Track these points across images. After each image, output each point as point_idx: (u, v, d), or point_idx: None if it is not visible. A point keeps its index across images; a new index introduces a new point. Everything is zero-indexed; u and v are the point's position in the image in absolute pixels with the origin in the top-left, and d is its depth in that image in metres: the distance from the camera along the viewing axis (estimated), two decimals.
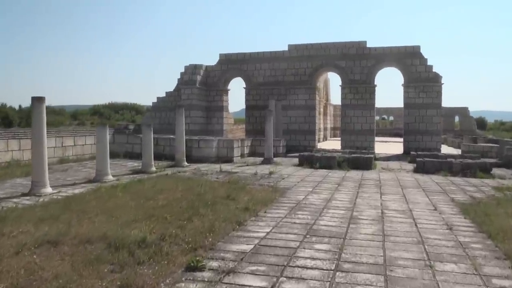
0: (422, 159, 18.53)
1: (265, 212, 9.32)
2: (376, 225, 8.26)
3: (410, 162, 22.42)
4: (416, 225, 8.40)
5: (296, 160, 20.08)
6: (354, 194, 11.88)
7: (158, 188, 11.79)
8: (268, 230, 7.77)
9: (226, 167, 18.00)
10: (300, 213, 9.24)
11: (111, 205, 9.52)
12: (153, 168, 15.94)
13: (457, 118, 60.76)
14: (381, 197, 11.56)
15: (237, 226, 7.95)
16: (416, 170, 18.20)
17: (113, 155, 21.36)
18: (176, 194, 10.98)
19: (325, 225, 8.18)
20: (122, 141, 22.60)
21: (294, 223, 8.38)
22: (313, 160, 18.89)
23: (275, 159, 22.38)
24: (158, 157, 20.19)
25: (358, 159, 19.00)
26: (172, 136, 22.58)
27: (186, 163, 18.19)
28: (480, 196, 11.94)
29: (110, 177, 13.54)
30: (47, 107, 52.96)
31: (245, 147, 23.69)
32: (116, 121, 60.93)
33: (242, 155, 23.05)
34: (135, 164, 18.51)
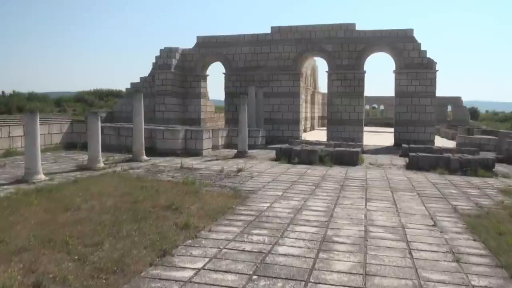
0: (416, 154, 16.29)
1: (209, 230, 7.00)
2: (356, 255, 5.97)
3: (401, 156, 20.24)
4: (410, 253, 6.12)
5: (274, 154, 17.77)
6: (333, 200, 9.60)
7: (90, 193, 9.47)
8: (200, 265, 5.45)
9: (190, 162, 15.68)
10: (256, 233, 6.92)
11: (12, 220, 7.20)
12: (101, 164, 13.57)
13: (449, 108, 58.67)
14: (366, 205, 9.28)
15: (158, 259, 5.64)
16: (408, 167, 15.98)
17: (70, 146, 19.08)
18: (107, 202, 8.68)
19: (285, 255, 5.87)
20: (81, 131, 20.19)
21: (243, 250, 6.07)
22: (292, 154, 16.61)
23: (252, 151, 20.12)
24: (119, 149, 17.94)
25: (343, 154, 16.73)
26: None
27: (145, 157, 15.83)
28: (487, 203, 9.72)
29: (41, 177, 11.15)
30: (30, 94, 50.11)
31: (219, 138, 21.35)
32: (100, 107, 58.54)
33: (215, 147, 20.74)
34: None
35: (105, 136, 19.45)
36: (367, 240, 6.66)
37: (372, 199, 9.88)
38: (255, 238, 6.64)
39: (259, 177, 12.74)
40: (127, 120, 29.50)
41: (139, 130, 15.77)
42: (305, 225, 7.42)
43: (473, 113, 66.09)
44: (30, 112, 11.43)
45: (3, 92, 71.58)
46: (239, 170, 13.57)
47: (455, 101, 57.67)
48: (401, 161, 18.02)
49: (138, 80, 31.70)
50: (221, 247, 6.16)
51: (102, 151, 18.15)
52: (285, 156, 16.67)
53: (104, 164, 14.06)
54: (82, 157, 16.24)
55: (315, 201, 9.51)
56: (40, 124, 18.94)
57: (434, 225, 7.68)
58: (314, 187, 11.19)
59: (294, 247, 6.25)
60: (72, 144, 19.51)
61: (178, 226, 7.08)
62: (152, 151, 17.87)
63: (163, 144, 18.00)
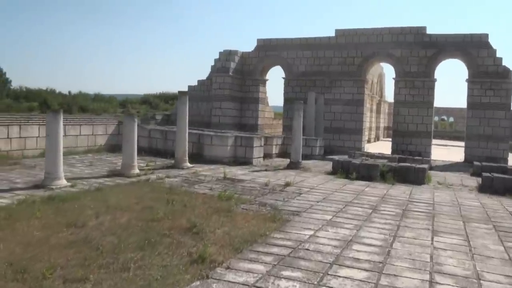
0: (490, 175, 14.22)
1: (227, 267, 5.53)
2: None
3: (472, 174, 18.06)
4: None
5: (331, 166, 16.11)
6: (392, 231, 7.91)
7: (106, 205, 8.28)
8: None
9: (236, 171, 14.32)
10: (287, 275, 5.39)
11: None
12: (135, 171, 12.40)
13: None
14: (432, 239, 7.53)
15: None
16: (481, 189, 13.94)
17: (114, 149, 18.23)
18: (121, 218, 7.42)
19: None
20: None
21: None
22: (350, 168, 14.92)
23: (307, 162, 18.56)
24: (165, 154, 16.85)
25: (408, 170, 14.88)
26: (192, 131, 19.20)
27: (188, 164, 14.58)
28: None
29: (62, 182, 10.08)
30: (96, 95, 51.11)
31: (274, 146, 19.87)
32: (165, 110, 58.66)
33: (268, 156, 19.30)
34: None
35: (151, 139, 18.55)
36: None
37: (439, 231, 8.11)
38: (283, 284, 5.11)
39: (309, 194, 11.17)
40: None
41: (182, 135, 14.55)
42: (353, 267, 5.80)
43: None
44: (53, 112, 10.33)
45: (69, 92, 73.26)
46: (287, 185, 12.06)
47: None
48: (473, 181, 15.95)
49: (196, 83, 30.78)
50: None
51: (147, 155, 17.34)
52: (343, 170, 15.00)
53: (141, 170, 12.92)
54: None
55: (370, 230, 7.85)
56: (84, 125, 18.49)
57: None
58: (370, 211, 9.51)
59: None
60: (117, 146, 18.60)
61: (191, 257, 5.69)
62: (199, 157, 16.70)
63: (211, 150, 16.73)
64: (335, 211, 9.28)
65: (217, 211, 8.42)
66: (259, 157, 17.07)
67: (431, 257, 6.49)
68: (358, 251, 6.56)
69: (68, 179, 10.58)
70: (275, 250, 6.36)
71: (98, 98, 76.51)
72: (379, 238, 7.33)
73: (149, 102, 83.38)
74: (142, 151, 18.01)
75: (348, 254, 6.37)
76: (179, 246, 6.18)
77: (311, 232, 7.42)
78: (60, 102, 61.21)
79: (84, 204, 8.26)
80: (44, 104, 55.29)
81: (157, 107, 73.94)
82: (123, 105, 78.36)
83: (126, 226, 6.94)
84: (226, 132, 19.59)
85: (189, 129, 20.81)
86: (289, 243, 6.73)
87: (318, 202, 10.16)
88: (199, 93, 30.28)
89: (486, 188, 13.81)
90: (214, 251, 5.99)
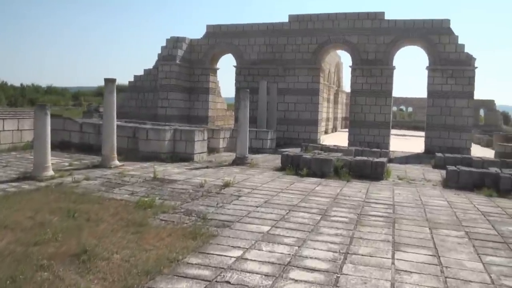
0: (456, 169, 12.86)
1: None
2: None
3: (435, 167, 16.87)
4: None
5: None
6: (342, 246, 6.32)
7: None
8: None
9: (172, 170, 12.56)
10: None
11: None
12: (49, 173, 10.44)
13: (481, 112, 54.59)
14: (393, 258, 5.94)
15: None
16: (446, 184, 12.59)
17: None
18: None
19: None
20: (58, 127, 17.25)
21: None
22: (300, 164, 13.34)
23: (257, 156, 17.03)
24: (97, 150, 14.88)
25: (365, 164, 13.40)
26: (118, 123, 17.30)
27: (116, 163, 12.71)
28: None
29: None
30: (49, 87, 49.19)
31: (221, 140, 18.15)
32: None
33: (215, 150, 17.61)
34: (57, 160, 13.28)
35: (83, 134, 16.66)
36: None
37: (402, 244, 6.55)
38: None
39: (249, 196, 9.49)
40: (128, 116, 26.63)
41: (109, 129, 12.64)
42: None
43: (505, 118, 61.76)
44: None
45: (21, 85, 70.13)
46: (226, 185, 10.35)
47: (488, 105, 53.57)
48: (436, 175, 14.64)
49: (142, 73, 28.78)
50: None
51: (78, 152, 15.40)
52: (292, 166, 13.42)
53: (59, 171, 11.06)
54: (51, 160, 13.34)
55: (315, 246, 6.22)
56: (8, 119, 16.31)
57: None
58: (319, 218, 7.89)
59: None
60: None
61: None
62: (135, 154, 14.87)
63: (147, 146, 14.89)
64: (275, 219, 7.63)
65: (127, 225, 6.67)
66: (201, 153, 15.30)
67: (392, 285, 4.92)
68: (296, 281, 4.92)
69: None
70: (182, 285, 4.67)
71: (50, 90, 73.53)
72: (326, 258, 5.71)
73: (102, 94, 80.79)
74: (72, 148, 16.17)
75: (282, 286, 4.73)
76: (53, 285, 4.44)
77: (239, 253, 5.74)
78: (9, 95, 58.39)
79: None
80: None
81: None
82: (76, 98, 75.52)
83: None
84: (167, 124, 17.78)
85: (128, 122, 19.03)
86: (205, 272, 5.03)
87: (257, 207, 8.49)
88: (146, 83, 28.30)
89: (452, 183, 12.48)
90: None
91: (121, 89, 61.07)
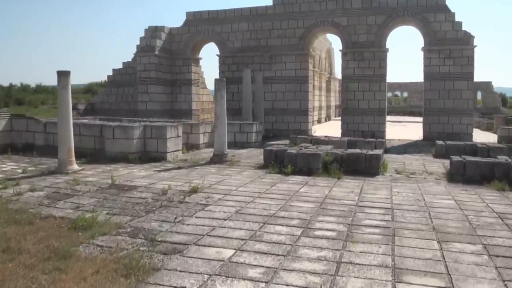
0: (461, 159, 11.27)
1: None
2: None
3: (436, 156, 15.34)
4: None
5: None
6: (326, 278, 4.73)
7: None
8: None
9: (136, 173, 10.94)
10: None
11: None
12: None
13: (479, 94, 53.16)
14: None
15: None
16: (450, 177, 11.02)
17: (5, 149, 14.55)
18: None
19: None
20: (22, 129, 15.66)
21: None
22: (285, 160, 11.75)
23: (240, 152, 15.60)
24: (51, 152, 13.25)
25: (358, 158, 11.79)
26: (85, 121, 15.67)
27: (75, 167, 11.06)
28: None
29: None
30: (38, 86, 47.34)
31: (201, 135, 16.54)
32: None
33: (195, 147, 16.05)
34: (12, 167, 11.72)
35: (48, 135, 15.49)
36: None
37: (404, 269, 4.96)
38: None
39: (218, 205, 7.86)
40: (108, 112, 25.04)
41: (64, 130, 10.97)
42: None
43: (503, 99, 60.29)
44: None
45: (10, 85, 68.43)
46: (193, 191, 8.73)
47: (485, 87, 52.17)
48: (438, 166, 13.09)
49: (121, 66, 27.12)
50: None
51: (40, 156, 13.80)
52: (276, 162, 11.83)
53: (4, 181, 9.46)
54: (6, 166, 11.82)
55: (290, 280, 4.60)
56: None
57: None
58: (299, 232, 6.30)
59: None
60: (10, 145, 15.06)
61: None
62: (102, 155, 13.28)
63: (114, 146, 13.25)
64: (244, 237, 6.02)
65: (49, 257, 5.08)
66: (175, 151, 13.66)
67: None
68: None
69: None
70: None
71: (40, 89, 71.73)
72: None
73: (92, 91, 79.23)
74: (35, 151, 14.55)
75: None
76: None
77: None
78: None
79: None
80: None
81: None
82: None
83: None
84: (138, 121, 16.15)
85: (100, 119, 17.42)
86: None
87: (225, 220, 6.87)
88: (125, 77, 26.68)
89: (457, 176, 10.90)
90: None
91: (103, 84, 59.45)
